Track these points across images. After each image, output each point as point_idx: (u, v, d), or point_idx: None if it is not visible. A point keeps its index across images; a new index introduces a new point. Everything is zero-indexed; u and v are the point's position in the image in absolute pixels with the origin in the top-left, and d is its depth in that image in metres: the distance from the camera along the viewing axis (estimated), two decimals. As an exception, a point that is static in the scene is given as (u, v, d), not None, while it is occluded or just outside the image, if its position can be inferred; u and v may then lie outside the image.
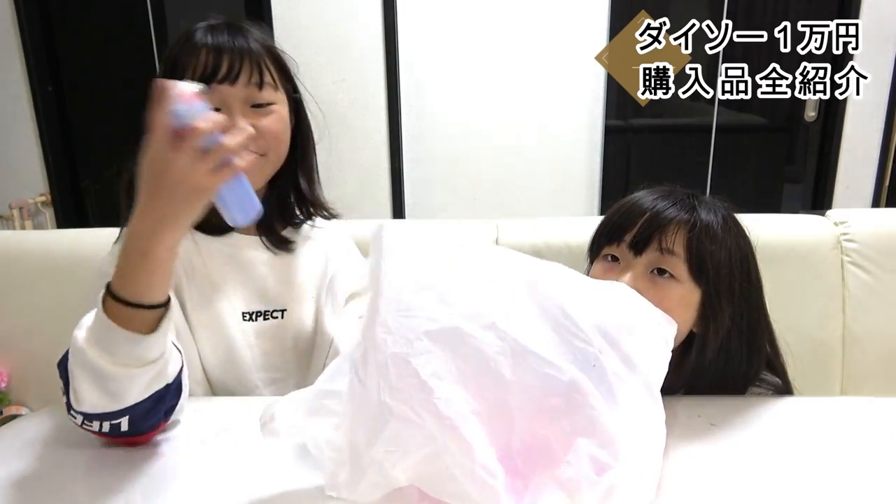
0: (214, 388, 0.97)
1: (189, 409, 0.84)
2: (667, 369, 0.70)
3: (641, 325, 0.69)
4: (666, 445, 0.78)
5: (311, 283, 1.05)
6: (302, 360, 1.03)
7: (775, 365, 0.97)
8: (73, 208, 2.86)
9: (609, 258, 0.90)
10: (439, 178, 2.71)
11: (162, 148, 0.65)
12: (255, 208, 0.72)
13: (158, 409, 0.75)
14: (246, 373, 0.98)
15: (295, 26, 2.54)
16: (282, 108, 0.95)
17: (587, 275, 0.95)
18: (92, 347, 0.70)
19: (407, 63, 2.58)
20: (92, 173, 2.90)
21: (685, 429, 0.81)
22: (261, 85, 0.91)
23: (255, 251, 1.01)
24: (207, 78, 0.88)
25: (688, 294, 0.86)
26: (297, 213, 1.06)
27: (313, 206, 1.05)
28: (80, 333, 0.71)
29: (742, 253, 0.89)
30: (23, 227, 2.69)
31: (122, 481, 0.71)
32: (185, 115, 0.65)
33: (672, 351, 0.88)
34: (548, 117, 2.62)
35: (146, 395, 0.73)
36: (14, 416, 1.33)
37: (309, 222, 1.07)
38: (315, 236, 1.08)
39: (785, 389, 0.97)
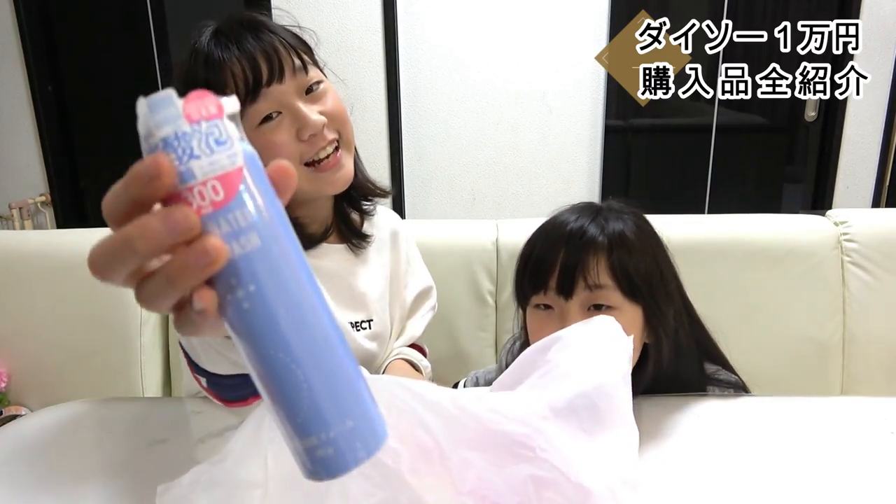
0: None
1: (188, 410, 0.84)
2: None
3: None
4: (665, 446, 0.78)
5: (386, 289, 1.02)
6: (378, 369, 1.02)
7: (709, 348, 0.96)
8: (73, 208, 2.85)
9: (541, 307, 0.86)
10: (439, 178, 2.70)
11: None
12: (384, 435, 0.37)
13: (244, 388, 0.73)
14: None
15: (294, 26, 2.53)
16: (331, 85, 0.90)
17: (522, 325, 0.93)
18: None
19: (407, 63, 2.58)
20: (92, 173, 2.90)
21: (685, 429, 0.81)
22: (305, 68, 0.85)
23: (339, 261, 0.96)
24: (254, 88, 0.81)
25: (630, 318, 0.83)
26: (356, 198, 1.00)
27: (364, 186, 0.99)
28: None
29: (663, 252, 0.89)
30: (23, 227, 2.68)
31: (121, 481, 0.71)
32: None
33: None
34: (548, 117, 2.62)
35: (229, 373, 0.70)
36: (14, 416, 1.33)
37: (366, 205, 1.02)
38: (378, 235, 1.03)
39: (741, 384, 0.97)
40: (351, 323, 0.95)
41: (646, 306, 0.84)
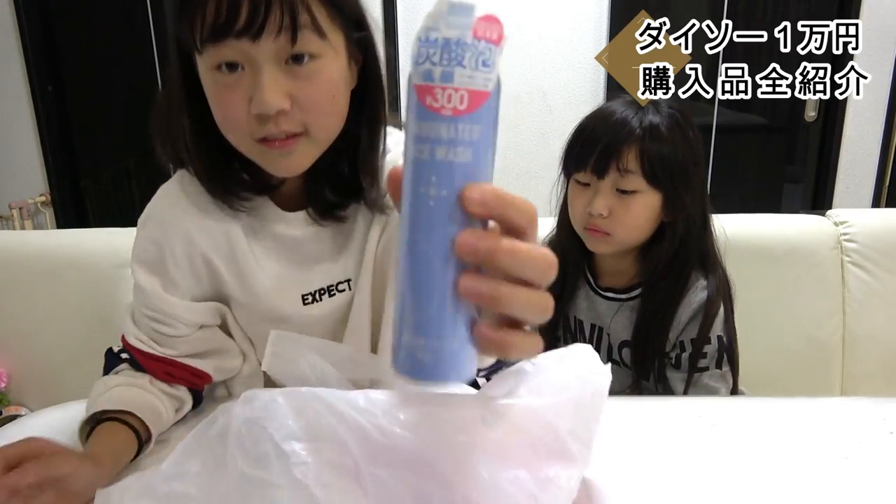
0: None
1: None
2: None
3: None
4: (666, 446, 0.78)
5: (369, 250, 0.84)
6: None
7: (705, 239, 1.09)
8: (73, 208, 2.85)
9: (579, 183, 1.07)
10: (439, 178, 2.70)
11: None
12: None
13: None
14: None
15: None
16: (332, 62, 0.69)
17: (563, 194, 1.14)
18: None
19: (407, 63, 2.58)
20: (92, 173, 2.90)
21: (685, 429, 0.81)
22: (295, 36, 0.64)
23: (297, 228, 0.81)
24: (220, 31, 0.63)
25: (649, 201, 1.02)
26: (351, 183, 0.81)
27: (365, 182, 0.79)
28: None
29: (692, 149, 1.05)
30: (23, 227, 2.68)
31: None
32: None
33: (641, 244, 1.07)
34: (548, 117, 2.62)
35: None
36: (14, 417, 1.32)
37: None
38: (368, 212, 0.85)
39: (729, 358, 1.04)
40: (304, 296, 0.83)
41: (665, 192, 1.02)
